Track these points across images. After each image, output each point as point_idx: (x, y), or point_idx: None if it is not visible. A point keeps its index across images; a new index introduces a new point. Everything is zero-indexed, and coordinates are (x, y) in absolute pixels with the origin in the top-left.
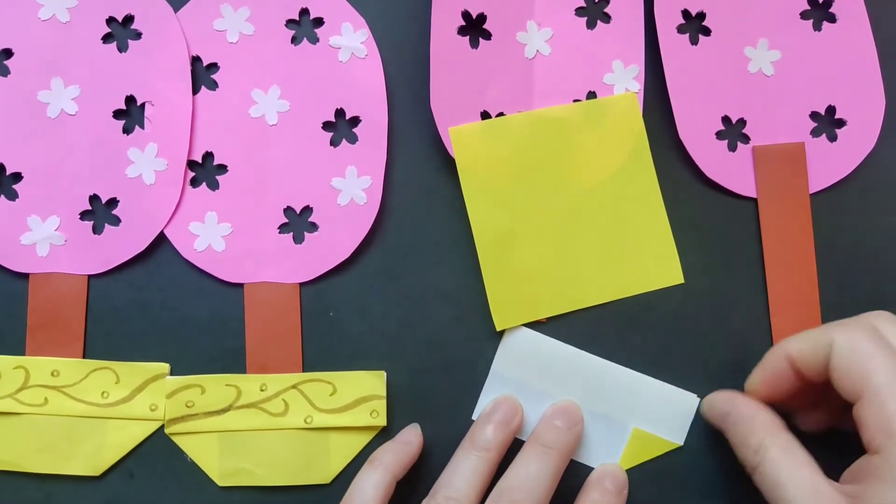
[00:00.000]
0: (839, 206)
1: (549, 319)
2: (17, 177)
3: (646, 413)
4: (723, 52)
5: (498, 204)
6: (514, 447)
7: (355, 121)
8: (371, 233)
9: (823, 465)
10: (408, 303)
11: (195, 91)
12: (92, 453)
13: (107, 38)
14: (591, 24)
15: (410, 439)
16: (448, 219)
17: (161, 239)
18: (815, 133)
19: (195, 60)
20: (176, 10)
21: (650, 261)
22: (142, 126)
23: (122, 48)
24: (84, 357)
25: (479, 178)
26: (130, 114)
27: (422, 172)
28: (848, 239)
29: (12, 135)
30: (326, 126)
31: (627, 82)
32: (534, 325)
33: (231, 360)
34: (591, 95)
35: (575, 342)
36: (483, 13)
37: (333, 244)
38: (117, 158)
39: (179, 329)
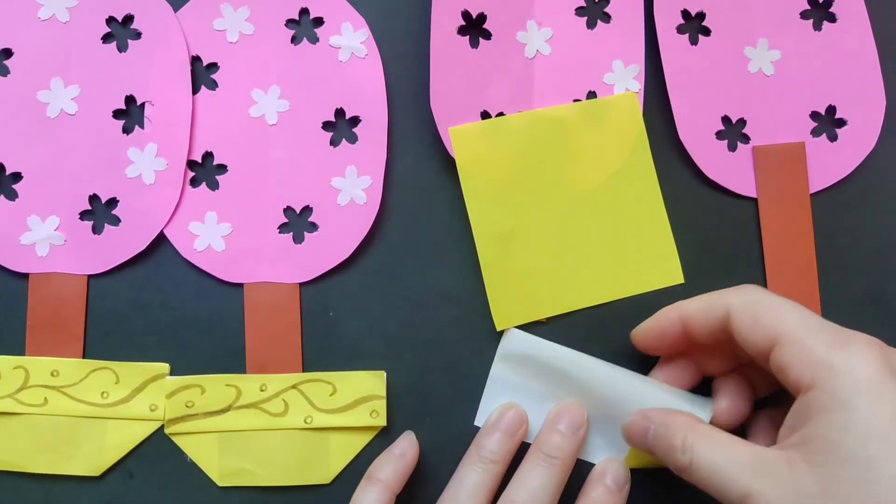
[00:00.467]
0: (839, 206)
1: (549, 319)
2: (17, 177)
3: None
4: (723, 52)
5: (498, 204)
6: (519, 451)
7: (355, 120)
8: (371, 233)
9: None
10: (408, 303)
11: (195, 91)
12: (92, 453)
13: (107, 38)
14: (591, 24)
15: (406, 450)
16: (448, 219)
17: (161, 239)
18: (815, 133)
19: (195, 60)
20: (176, 9)
21: (650, 261)
22: (141, 126)
23: (122, 48)
24: (84, 357)
25: (479, 177)
26: (130, 114)
27: (422, 172)
28: (848, 239)
29: (12, 135)
30: (326, 126)
31: (627, 82)
32: (534, 325)
33: (231, 360)
34: (592, 95)
35: (575, 342)
36: (483, 13)
37: (333, 244)
38: (117, 158)
39: (179, 329)
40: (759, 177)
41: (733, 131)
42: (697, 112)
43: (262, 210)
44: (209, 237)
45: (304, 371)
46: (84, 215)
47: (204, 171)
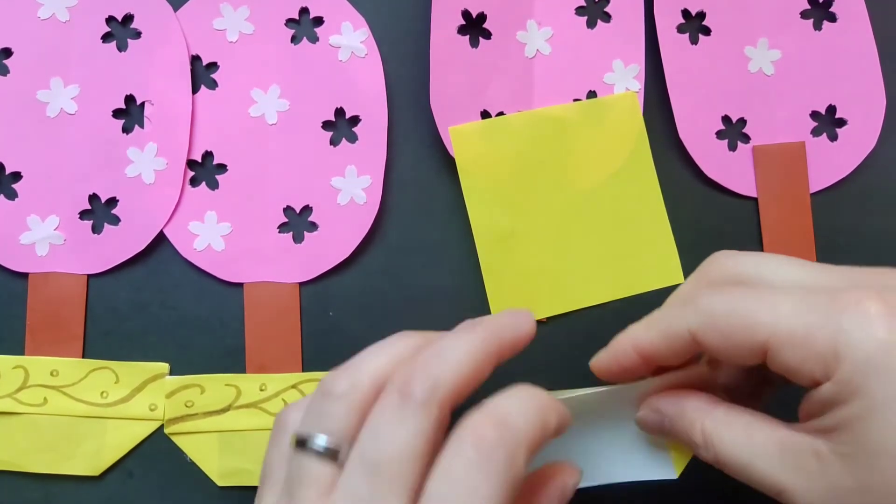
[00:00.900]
0: (839, 206)
1: (549, 319)
2: (17, 176)
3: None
4: (723, 52)
5: (498, 204)
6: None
7: (355, 120)
8: (371, 232)
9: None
10: (408, 303)
11: (195, 90)
12: (91, 453)
13: (106, 38)
14: (591, 24)
15: (522, 322)
16: (448, 219)
17: (161, 238)
18: (815, 133)
19: (195, 59)
20: (176, 9)
21: (650, 261)
22: (141, 125)
23: (122, 47)
24: (83, 357)
25: (479, 177)
26: (130, 113)
27: (422, 172)
28: (848, 239)
29: (12, 134)
30: (326, 125)
31: (628, 82)
32: None
33: (231, 359)
34: (592, 95)
35: (575, 342)
36: (483, 12)
37: (333, 244)
38: (117, 158)
39: (179, 329)
40: (760, 176)
41: (733, 131)
42: (697, 112)
43: (261, 210)
44: (209, 237)
45: (303, 371)
46: (84, 215)
47: (204, 170)
